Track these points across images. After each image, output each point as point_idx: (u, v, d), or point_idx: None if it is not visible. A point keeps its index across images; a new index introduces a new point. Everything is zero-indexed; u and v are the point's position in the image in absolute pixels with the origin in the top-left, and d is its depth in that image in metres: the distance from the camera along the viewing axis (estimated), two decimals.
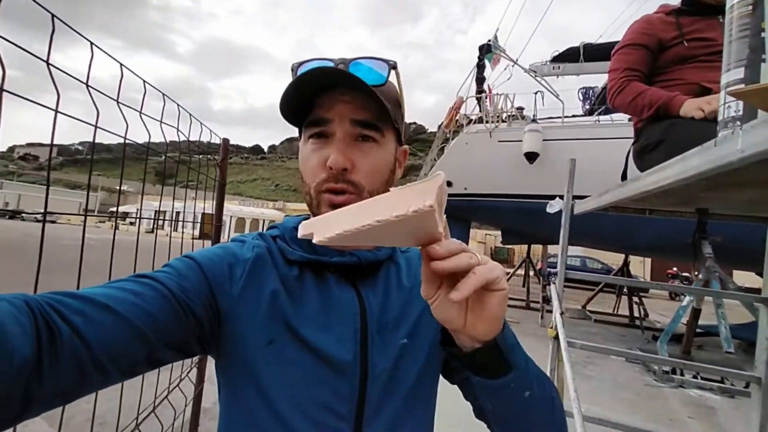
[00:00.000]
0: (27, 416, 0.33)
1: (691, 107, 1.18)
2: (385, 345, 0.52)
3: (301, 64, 0.55)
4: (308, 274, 0.54)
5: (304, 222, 0.36)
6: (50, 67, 0.66)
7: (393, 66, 0.55)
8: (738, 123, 0.65)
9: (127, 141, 0.97)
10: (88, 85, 0.76)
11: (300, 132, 0.56)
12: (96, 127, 0.80)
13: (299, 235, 0.36)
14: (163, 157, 1.34)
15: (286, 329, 0.49)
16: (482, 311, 0.40)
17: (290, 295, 0.51)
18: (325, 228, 0.33)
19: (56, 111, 0.68)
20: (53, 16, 0.69)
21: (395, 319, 0.55)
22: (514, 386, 0.44)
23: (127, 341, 0.39)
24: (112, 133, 0.90)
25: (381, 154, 0.53)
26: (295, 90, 0.50)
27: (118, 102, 0.85)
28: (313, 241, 0.34)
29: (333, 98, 0.51)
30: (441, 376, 0.61)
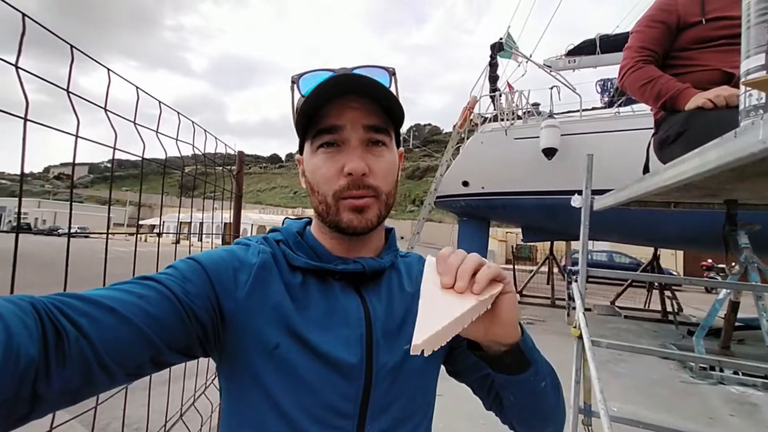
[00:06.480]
0: (35, 416, 0.33)
1: (698, 102, 1.11)
2: (389, 349, 0.53)
3: (301, 75, 0.56)
4: (312, 281, 0.54)
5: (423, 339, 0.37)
6: (70, 95, 0.70)
7: (392, 73, 0.56)
8: (761, 112, 0.62)
9: (149, 158, 1.02)
10: (106, 110, 0.80)
11: (301, 144, 0.56)
12: (115, 149, 0.84)
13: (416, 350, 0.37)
14: (181, 173, 1.38)
15: (291, 335, 0.50)
16: (498, 318, 0.45)
17: (295, 301, 0.51)
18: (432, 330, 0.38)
19: (76, 136, 0.71)
20: (72, 47, 0.73)
21: (399, 324, 0.56)
22: (533, 379, 0.51)
23: (133, 343, 0.39)
24: (131, 153, 0.94)
25: (391, 157, 0.55)
26: (313, 101, 0.50)
27: (135, 123, 0.89)
28: (420, 342, 0.36)
29: (342, 106, 0.51)
30: (453, 378, 0.65)
